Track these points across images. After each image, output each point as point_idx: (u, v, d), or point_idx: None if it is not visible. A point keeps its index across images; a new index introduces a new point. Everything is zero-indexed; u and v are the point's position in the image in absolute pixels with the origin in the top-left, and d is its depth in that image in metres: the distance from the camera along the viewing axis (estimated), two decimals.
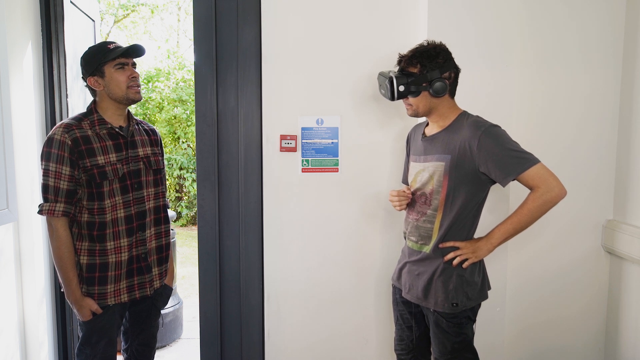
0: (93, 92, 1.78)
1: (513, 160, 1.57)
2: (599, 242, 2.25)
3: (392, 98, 1.72)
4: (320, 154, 2.17)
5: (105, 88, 1.74)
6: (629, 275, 2.16)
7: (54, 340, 2.45)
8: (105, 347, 1.77)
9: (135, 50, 1.77)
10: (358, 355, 2.28)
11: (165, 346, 3.15)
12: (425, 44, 1.71)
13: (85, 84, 1.78)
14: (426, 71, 1.66)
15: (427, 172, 1.73)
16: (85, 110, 1.79)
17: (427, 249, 1.73)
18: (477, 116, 1.70)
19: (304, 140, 2.16)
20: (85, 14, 2.63)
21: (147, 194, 1.83)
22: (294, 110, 2.15)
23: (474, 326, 1.75)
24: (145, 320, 1.92)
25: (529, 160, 1.57)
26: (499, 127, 1.64)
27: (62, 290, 1.77)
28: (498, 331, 2.14)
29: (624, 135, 2.18)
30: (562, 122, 2.18)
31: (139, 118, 1.95)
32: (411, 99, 1.72)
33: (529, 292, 2.23)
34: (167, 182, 7.17)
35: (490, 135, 1.59)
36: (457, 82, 1.73)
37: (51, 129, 1.80)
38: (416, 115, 1.75)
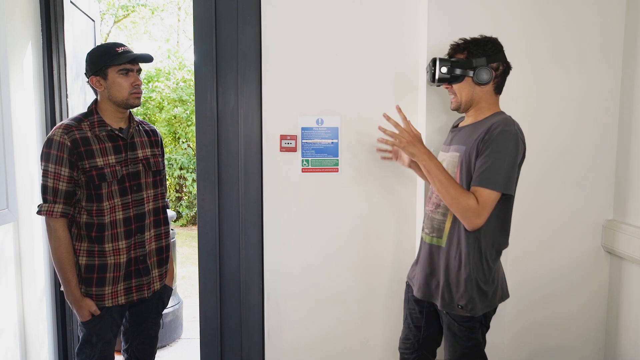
0: (94, 90, 1.78)
1: (489, 168, 1.53)
2: (599, 242, 2.25)
3: (433, 80, 1.68)
4: (320, 154, 2.17)
5: (106, 90, 1.73)
6: (629, 275, 2.16)
7: (54, 340, 2.45)
8: (103, 347, 1.77)
9: (143, 59, 1.77)
10: (358, 355, 2.28)
11: (165, 346, 3.15)
12: (479, 36, 1.68)
13: (87, 80, 1.77)
14: (472, 57, 1.63)
15: (445, 162, 1.71)
16: (86, 110, 1.78)
17: (440, 242, 1.69)
18: (514, 120, 1.61)
19: (304, 140, 2.16)
20: (85, 14, 2.63)
21: (147, 195, 1.82)
22: (294, 110, 2.15)
23: (486, 334, 1.72)
24: (145, 320, 1.92)
25: (496, 182, 1.52)
26: (519, 139, 1.56)
27: (61, 289, 1.77)
28: (498, 330, 2.14)
29: (623, 135, 2.18)
30: (562, 122, 2.18)
31: (140, 118, 1.94)
32: (455, 87, 1.68)
33: (528, 292, 2.23)
34: (167, 182, 7.17)
35: (503, 135, 1.53)
36: (504, 78, 1.68)
37: (51, 129, 1.80)
38: (458, 107, 1.70)
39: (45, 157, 1.68)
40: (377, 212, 2.21)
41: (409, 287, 1.89)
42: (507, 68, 1.68)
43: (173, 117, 6.99)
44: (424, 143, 1.99)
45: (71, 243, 1.72)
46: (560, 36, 2.14)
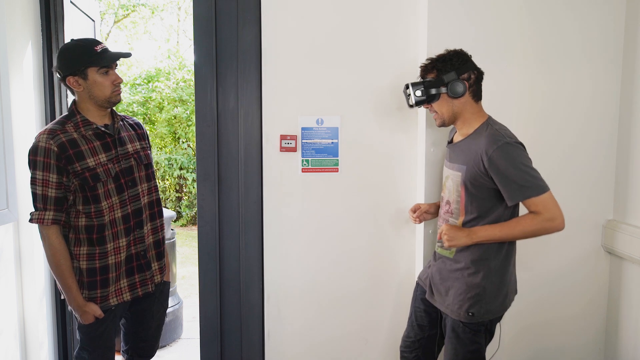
0: (71, 90, 1.72)
1: (520, 183, 1.54)
2: (599, 242, 2.25)
3: (411, 105, 1.73)
4: (320, 154, 2.17)
5: (85, 90, 1.68)
6: (629, 275, 2.16)
7: (54, 341, 2.45)
8: (104, 351, 1.76)
9: (124, 56, 1.74)
10: (358, 356, 2.28)
11: (165, 346, 3.15)
12: (444, 51, 1.71)
13: (60, 78, 1.70)
14: (442, 74, 1.66)
15: (450, 179, 1.74)
16: (67, 112, 1.73)
17: (449, 254, 1.73)
18: (499, 128, 1.64)
19: (304, 140, 2.16)
20: (85, 14, 2.62)
21: (141, 190, 1.80)
22: (294, 110, 2.15)
23: (490, 340, 1.73)
24: (144, 320, 1.92)
25: (537, 187, 1.54)
26: (515, 144, 1.58)
27: (62, 298, 1.75)
28: (498, 330, 2.14)
29: (624, 135, 2.18)
30: (562, 122, 2.18)
31: (123, 113, 1.90)
32: (435, 106, 1.71)
33: (528, 292, 2.22)
34: (168, 182, 7.17)
35: (502, 152, 1.55)
36: (479, 85, 1.70)
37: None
38: (443, 123, 1.74)
39: (32, 164, 1.63)
40: (377, 212, 2.21)
41: (418, 286, 1.92)
42: (479, 75, 1.70)
43: (173, 117, 6.99)
44: (426, 146, 2.00)
45: (67, 249, 1.68)
46: (559, 36, 2.14)
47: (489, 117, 1.71)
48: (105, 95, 1.69)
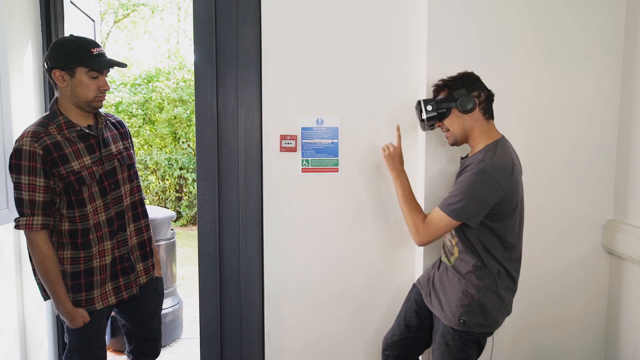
0: (54, 84, 1.66)
1: (450, 195, 1.65)
2: (599, 242, 2.25)
3: (423, 121, 1.77)
4: (320, 154, 2.17)
5: (69, 87, 1.64)
6: (629, 275, 2.16)
7: (54, 340, 2.45)
8: (96, 351, 1.76)
9: (118, 65, 1.71)
10: (357, 353, 2.28)
11: (165, 346, 3.15)
12: (456, 74, 1.76)
13: (45, 69, 1.66)
14: (453, 91, 1.71)
15: None
16: (48, 112, 1.68)
17: (449, 262, 1.77)
18: (493, 154, 1.64)
19: (304, 140, 2.16)
20: (85, 14, 2.63)
21: (124, 191, 1.77)
22: (294, 110, 2.15)
23: (480, 354, 1.75)
24: (144, 318, 1.92)
25: (448, 205, 1.63)
26: (487, 175, 1.59)
27: (45, 300, 1.72)
28: (498, 331, 2.14)
29: (624, 136, 2.18)
30: (562, 123, 2.18)
31: (105, 111, 1.86)
32: (446, 122, 1.74)
33: (529, 292, 2.23)
34: (168, 182, 7.16)
35: (474, 171, 1.61)
36: (490, 104, 1.74)
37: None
38: (455, 141, 1.77)
39: (16, 169, 1.56)
40: (377, 212, 2.21)
41: (415, 288, 1.94)
42: (489, 95, 1.74)
43: (173, 117, 6.99)
44: (426, 146, 2.01)
45: (55, 255, 1.64)
46: (559, 37, 2.14)
47: (500, 139, 1.71)
48: (87, 97, 1.65)
